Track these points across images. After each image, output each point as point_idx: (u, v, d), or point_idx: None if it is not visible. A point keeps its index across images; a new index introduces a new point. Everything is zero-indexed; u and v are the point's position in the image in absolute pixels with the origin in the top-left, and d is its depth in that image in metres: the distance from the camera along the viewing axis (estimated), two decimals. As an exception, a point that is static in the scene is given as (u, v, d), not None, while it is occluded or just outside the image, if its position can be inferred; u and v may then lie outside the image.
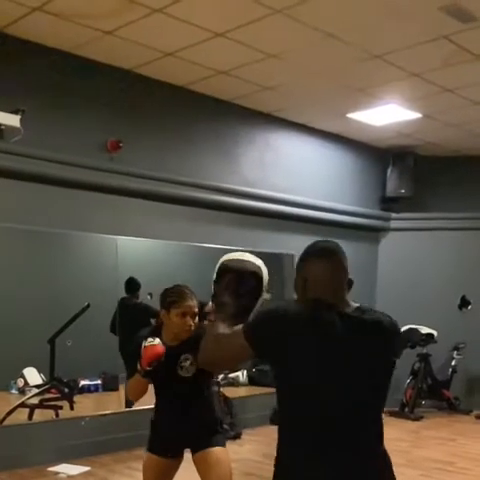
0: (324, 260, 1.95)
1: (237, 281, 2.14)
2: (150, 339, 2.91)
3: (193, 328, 3.00)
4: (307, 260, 1.98)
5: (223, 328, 1.96)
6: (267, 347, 1.87)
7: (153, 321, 6.94)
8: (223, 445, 3.11)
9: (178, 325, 3.00)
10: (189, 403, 3.08)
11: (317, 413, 1.83)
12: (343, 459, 1.81)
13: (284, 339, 1.83)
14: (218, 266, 2.24)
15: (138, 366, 2.92)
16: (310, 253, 2.00)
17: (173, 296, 3.05)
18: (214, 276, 2.23)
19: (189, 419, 3.09)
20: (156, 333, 3.03)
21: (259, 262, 2.24)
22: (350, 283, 1.97)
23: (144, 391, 3.02)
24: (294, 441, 1.87)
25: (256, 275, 2.18)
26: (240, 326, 1.92)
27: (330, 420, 1.82)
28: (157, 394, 3.15)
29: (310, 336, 1.83)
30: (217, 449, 3.06)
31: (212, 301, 2.16)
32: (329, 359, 1.82)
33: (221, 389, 6.32)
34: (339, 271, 1.96)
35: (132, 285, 6.89)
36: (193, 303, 3.02)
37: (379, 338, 1.88)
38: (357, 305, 1.93)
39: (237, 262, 2.23)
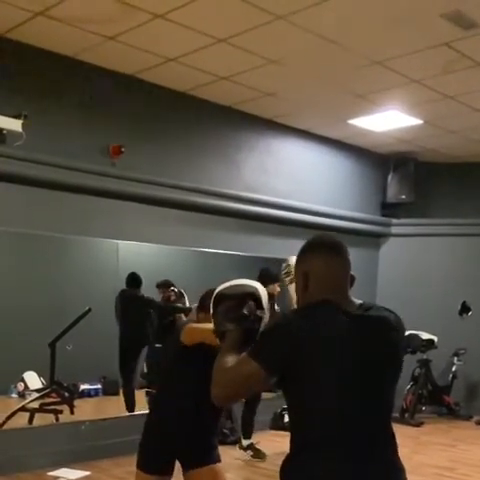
0: (332, 255, 1.85)
1: (236, 306, 2.04)
2: None
3: None
4: (311, 254, 1.87)
5: (231, 360, 1.80)
6: (283, 364, 1.73)
7: (153, 313, 6.93)
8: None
9: None
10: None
11: (344, 420, 1.73)
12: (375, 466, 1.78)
13: (298, 351, 1.71)
14: (214, 297, 2.15)
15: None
16: (316, 247, 1.88)
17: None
18: (211, 308, 2.14)
19: (210, 420, 2.88)
20: None
21: (255, 283, 2.14)
22: (353, 279, 1.89)
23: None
24: (320, 452, 1.74)
25: (254, 296, 2.08)
26: (245, 353, 1.77)
27: (358, 428, 1.74)
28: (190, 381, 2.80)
29: (325, 342, 1.73)
30: (220, 466, 2.93)
31: (214, 333, 2.06)
32: (348, 364, 1.73)
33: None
34: (347, 267, 1.87)
35: (134, 280, 6.79)
36: None
37: (391, 335, 1.82)
38: (360, 302, 1.85)
39: (232, 288, 2.13)
